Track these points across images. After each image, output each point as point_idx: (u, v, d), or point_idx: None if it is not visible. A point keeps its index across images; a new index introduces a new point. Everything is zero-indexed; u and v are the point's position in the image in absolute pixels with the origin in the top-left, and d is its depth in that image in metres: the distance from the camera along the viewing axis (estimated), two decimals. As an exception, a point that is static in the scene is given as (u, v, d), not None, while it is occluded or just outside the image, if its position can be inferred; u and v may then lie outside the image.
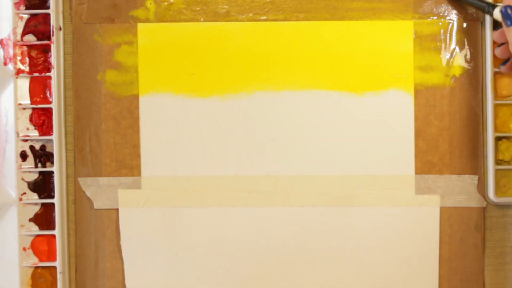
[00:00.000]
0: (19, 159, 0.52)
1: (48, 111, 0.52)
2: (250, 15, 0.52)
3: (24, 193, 0.52)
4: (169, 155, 0.52)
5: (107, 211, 0.52)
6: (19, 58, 0.52)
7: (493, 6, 0.47)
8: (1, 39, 0.52)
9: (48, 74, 0.52)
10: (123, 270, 0.52)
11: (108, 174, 0.52)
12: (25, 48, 0.52)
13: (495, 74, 0.51)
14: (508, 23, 0.44)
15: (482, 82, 0.52)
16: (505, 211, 0.52)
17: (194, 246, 0.52)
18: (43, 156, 0.52)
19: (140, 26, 0.52)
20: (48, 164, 0.52)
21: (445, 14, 0.52)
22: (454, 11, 0.52)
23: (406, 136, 0.51)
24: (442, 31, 0.52)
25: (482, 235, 0.51)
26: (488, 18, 0.51)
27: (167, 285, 0.52)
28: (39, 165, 0.52)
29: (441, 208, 0.51)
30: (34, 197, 0.52)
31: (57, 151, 0.51)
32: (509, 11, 0.44)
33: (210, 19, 0.52)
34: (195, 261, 0.52)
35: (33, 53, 0.52)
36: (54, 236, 0.51)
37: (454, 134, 0.52)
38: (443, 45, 0.52)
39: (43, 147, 0.52)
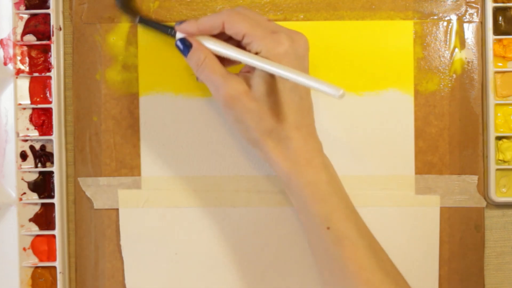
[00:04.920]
0: (19, 159, 0.52)
1: (48, 111, 0.52)
2: (250, 15, 0.52)
3: (24, 193, 0.52)
4: (169, 155, 0.52)
5: (107, 211, 0.52)
6: (19, 58, 0.52)
7: (175, 32, 0.46)
8: (1, 39, 0.52)
9: (48, 74, 0.52)
10: (123, 270, 0.52)
11: (108, 174, 0.52)
12: (25, 48, 0.52)
13: (495, 74, 0.52)
14: (185, 54, 0.45)
15: (482, 82, 0.52)
16: (505, 211, 0.52)
17: (194, 246, 0.52)
18: (43, 156, 0.52)
19: (140, 26, 0.52)
20: (48, 164, 0.52)
21: (445, 14, 0.52)
22: (454, 11, 0.52)
23: (406, 136, 0.51)
24: (442, 31, 0.52)
25: (482, 235, 0.51)
26: (488, 19, 0.51)
27: (167, 285, 0.52)
28: (39, 165, 0.52)
29: (441, 208, 0.51)
30: (34, 197, 0.52)
31: (57, 151, 0.51)
32: (179, 44, 0.45)
33: (210, 19, 0.52)
34: (195, 261, 0.52)
35: (33, 53, 0.52)
36: (54, 236, 0.51)
37: (454, 134, 0.52)
38: (443, 45, 0.52)
39: (43, 147, 0.52)
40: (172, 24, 0.47)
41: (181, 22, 0.46)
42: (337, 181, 0.45)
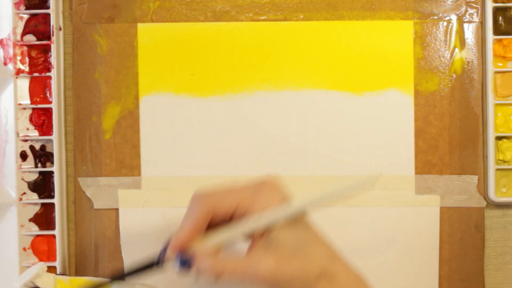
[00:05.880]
0: (19, 159, 0.52)
1: (48, 111, 0.52)
2: (250, 15, 0.52)
3: (24, 193, 0.52)
4: (169, 155, 0.52)
5: (107, 211, 0.52)
6: (19, 58, 0.52)
7: (163, 257, 0.40)
8: (1, 39, 0.52)
9: (48, 74, 0.52)
10: (123, 270, 0.52)
11: (108, 174, 0.52)
12: (25, 48, 0.52)
13: (495, 74, 0.51)
14: (192, 272, 0.39)
15: (482, 82, 0.52)
16: (505, 211, 0.52)
17: (194, 246, 0.52)
18: (43, 156, 0.52)
19: (140, 26, 0.52)
20: (48, 164, 0.52)
21: (445, 14, 0.52)
22: (454, 11, 0.52)
23: (406, 136, 0.51)
24: (442, 31, 0.52)
25: (482, 235, 0.51)
26: (488, 19, 0.51)
27: (167, 286, 0.52)
28: (39, 165, 0.52)
29: (441, 208, 0.51)
30: (34, 197, 0.52)
31: (57, 151, 0.51)
32: (180, 267, 0.39)
33: (210, 19, 0.52)
34: (195, 261, 0.52)
35: (33, 53, 0.52)
36: (54, 236, 0.51)
37: (454, 134, 0.52)
38: (443, 45, 0.52)
39: (43, 147, 0.52)
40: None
41: (164, 245, 0.39)
42: None
